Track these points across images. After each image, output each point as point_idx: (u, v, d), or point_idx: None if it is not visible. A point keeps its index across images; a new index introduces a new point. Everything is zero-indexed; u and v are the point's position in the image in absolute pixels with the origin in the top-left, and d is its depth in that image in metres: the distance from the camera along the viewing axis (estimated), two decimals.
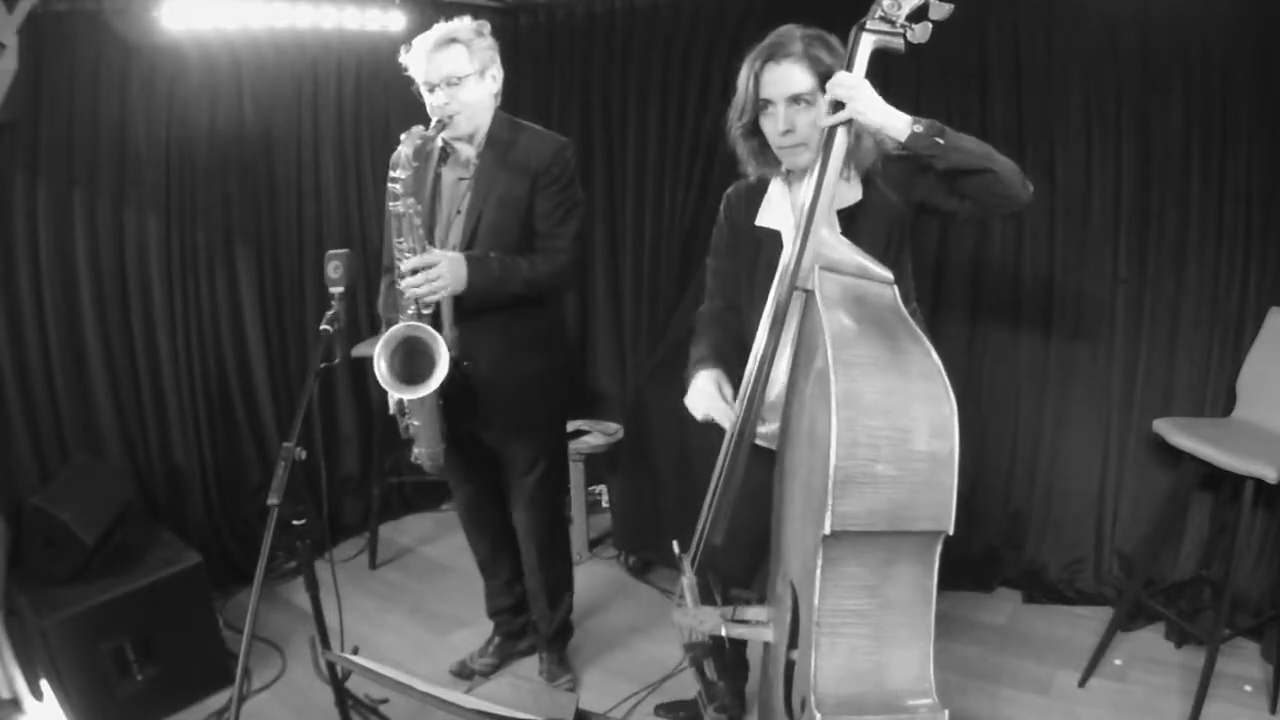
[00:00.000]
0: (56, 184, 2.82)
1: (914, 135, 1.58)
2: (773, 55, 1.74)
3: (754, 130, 1.83)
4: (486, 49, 2.24)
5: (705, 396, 1.87)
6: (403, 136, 2.11)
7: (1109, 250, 2.94)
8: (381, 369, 2.17)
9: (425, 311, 2.21)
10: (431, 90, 2.20)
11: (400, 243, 2.18)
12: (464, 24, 2.21)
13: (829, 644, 1.40)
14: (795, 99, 1.73)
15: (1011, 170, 1.65)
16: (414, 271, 2.15)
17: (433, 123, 2.17)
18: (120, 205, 2.98)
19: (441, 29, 2.19)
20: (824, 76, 1.70)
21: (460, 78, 2.18)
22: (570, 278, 2.38)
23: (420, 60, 2.19)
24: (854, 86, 1.57)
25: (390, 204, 2.16)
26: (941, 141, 1.59)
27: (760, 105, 1.77)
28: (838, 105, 1.58)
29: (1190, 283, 2.85)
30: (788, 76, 1.72)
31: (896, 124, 1.59)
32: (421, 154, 2.26)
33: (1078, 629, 2.93)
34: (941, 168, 1.62)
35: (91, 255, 2.93)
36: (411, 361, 2.21)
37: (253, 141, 3.29)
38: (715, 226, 2.06)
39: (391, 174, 2.13)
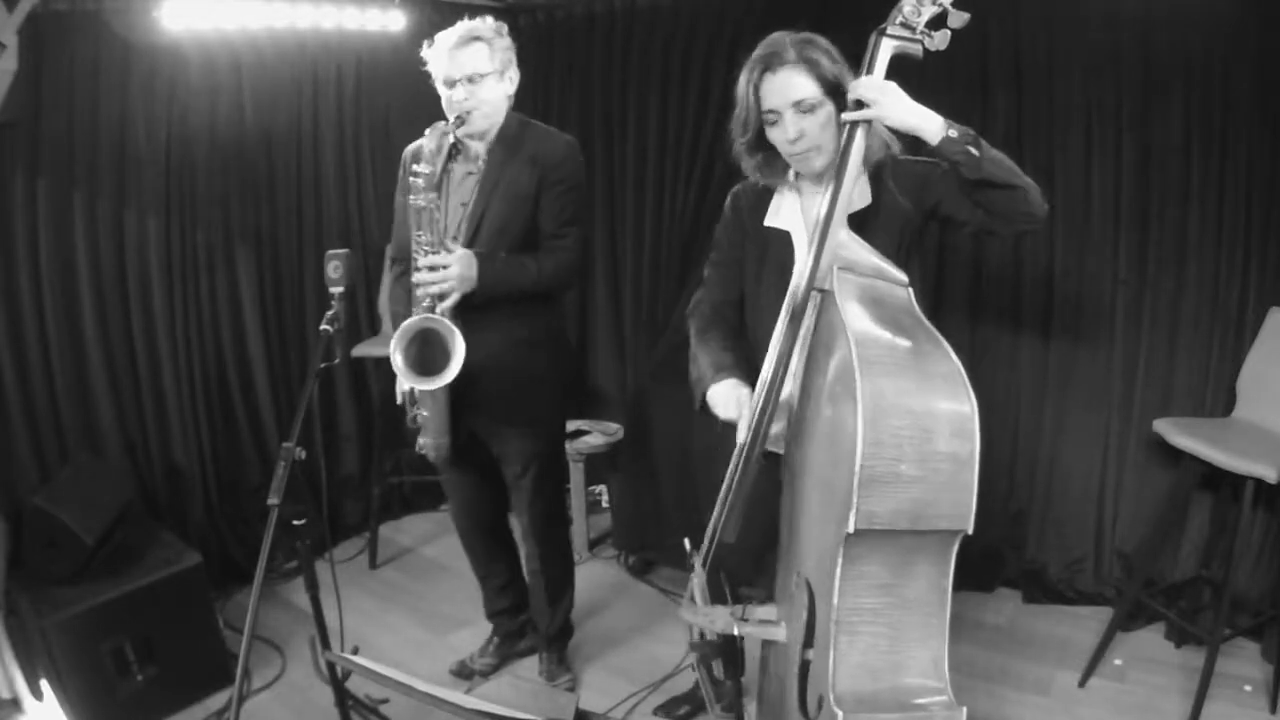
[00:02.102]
0: (56, 184, 2.82)
1: (947, 140, 1.56)
2: (769, 65, 1.72)
3: (758, 144, 1.82)
4: (506, 50, 2.28)
5: (734, 397, 1.82)
6: (427, 131, 2.16)
7: (1109, 251, 2.94)
8: (398, 360, 2.19)
9: (437, 312, 2.22)
10: (451, 86, 2.22)
11: (420, 235, 2.20)
12: (486, 23, 2.25)
13: (847, 642, 1.40)
14: (800, 105, 1.71)
15: (1033, 187, 1.64)
16: (430, 269, 2.18)
17: (452, 119, 2.20)
18: (120, 205, 2.98)
19: (465, 27, 2.23)
20: (822, 78, 1.70)
21: (482, 75, 2.21)
22: (574, 276, 2.40)
23: (442, 56, 2.21)
24: (881, 89, 1.55)
25: (411, 198, 2.18)
26: (976, 153, 1.57)
27: (766, 117, 1.76)
28: (859, 104, 1.57)
29: (1190, 283, 2.85)
30: (788, 84, 1.71)
31: (930, 126, 1.57)
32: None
33: (1078, 629, 2.93)
34: (972, 177, 1.60)
35: (91, 255, 2.93)
36: (425, 352, 2.22)
37: (253, 141, 3.29)
38: (720, 222, 2.05)
39: (414, 167, 2.16)
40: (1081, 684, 2.66)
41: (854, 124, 1.59)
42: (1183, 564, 2.92)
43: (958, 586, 3.37)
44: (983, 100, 3.01)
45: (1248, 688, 2.58)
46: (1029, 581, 3.16)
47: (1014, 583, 3.19)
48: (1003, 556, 3.20)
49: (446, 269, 2.17)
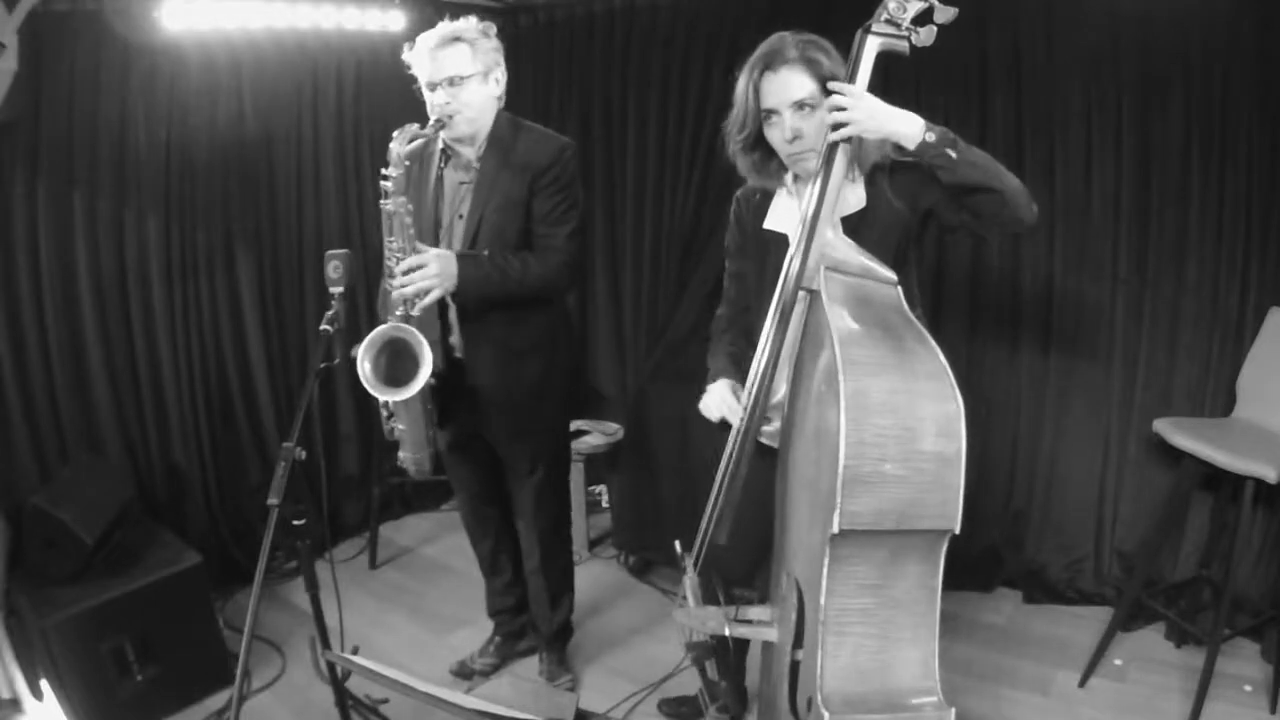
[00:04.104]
0: (56, 184, 2.82)
1: (924, 144, 1.57)
2: (770, 64, 1.72)
3: (754, 144, 1.82)
4: (491, 50, 2.21)
5: (719, 399, 1.89)
6: (395, 133, 2.08)
7: (1109, 250, 2.94)
8: (365, 370, 2.14)
9: (414, 313, 2.18)
10: (433, 89, 2.17)
11: (391, 241, 2.15)
12: (469, 24, 2.19)
13: (835, 643, 1.40)
14: (799, 105, 1.72)
15: (1018, 191, 1.63)
16: (406, 272, 2.13)
17: (430, 121, 2.15)
18: (120, 205, 2.98)
19: (446, 27, 2.17)
20: (823, 79, 1.70)
21: (463, 78, 2.15)
22: (564, 280, 2.33)
23: (423, 58, 2.16)
24: (854, 101, 1.56)
25: (381, 202, 2.13)
26: (953, 155, 1.57)
27: (764, 116, 1.76)
28: (838, 123, 1.58)
29: (1190, 283, 2.85)
30: (788, 83, 1.71)
31: (907, 130, 1.57)
32: (417, 154, 2.23)
33: (1078, 629, 2.93)
34: (948, 181, 1.60)
35: (91, 255, 2.93)
36: (396, 363, 2.18)
37: (253, 141, 3.29)
38: (727, 229, 2.06)
39: (383, 171, 2.10)
40: (1081, 684, 2.66)
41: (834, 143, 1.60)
42: (1183, 564, 2.92)
43: (958, 586, 3.37)
44: (982, 100, 3.00)
45: (1248, 688, 2.58)
46: (1029, 581, 3.16)
47: (1014, 583, 3.19)
48: (1002, 556, 3.20)
49: (424, 268, 2.12)
